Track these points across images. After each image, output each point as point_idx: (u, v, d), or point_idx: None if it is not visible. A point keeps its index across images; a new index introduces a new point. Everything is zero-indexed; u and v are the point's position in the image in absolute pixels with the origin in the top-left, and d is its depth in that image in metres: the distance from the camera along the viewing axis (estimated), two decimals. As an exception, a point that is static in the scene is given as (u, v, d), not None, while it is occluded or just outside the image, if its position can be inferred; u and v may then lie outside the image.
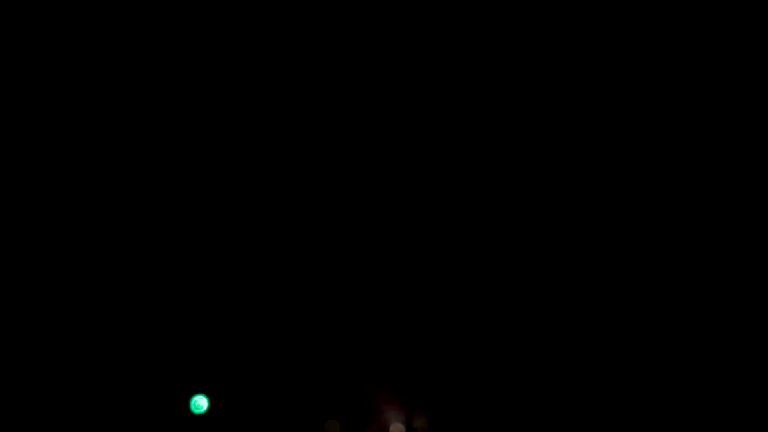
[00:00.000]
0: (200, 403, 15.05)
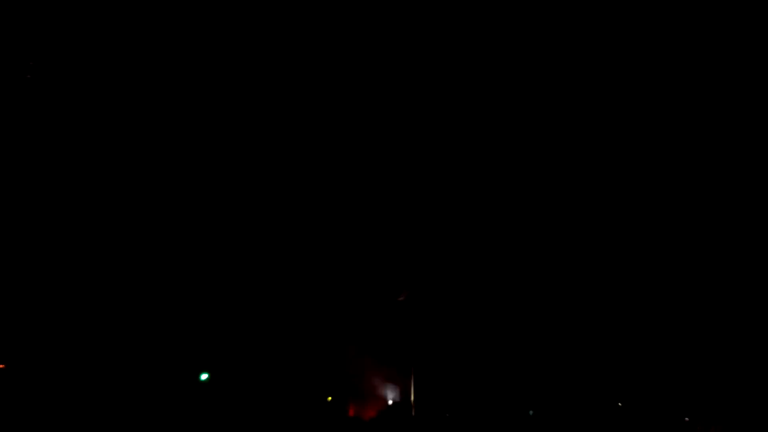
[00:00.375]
0: (203, 379, 17.64)
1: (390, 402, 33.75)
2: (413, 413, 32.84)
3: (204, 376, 29.38)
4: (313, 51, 32.17)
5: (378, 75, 32.20)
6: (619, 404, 33.98)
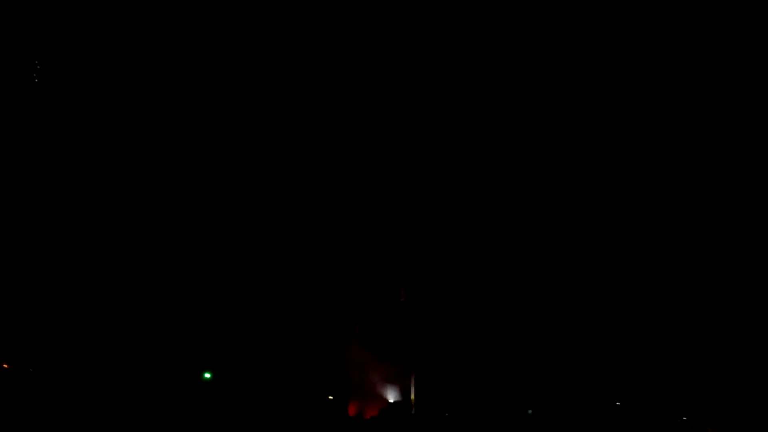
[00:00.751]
0: (206, 377, 17.99)
1: (390, 401, 33.81)
2: (413, 412, 32.92)
3: (207, 375, 29.47)
4: (313, 51, 32.26)
5: (378, 75, 32.27)
6: (617, 403, 34.09)
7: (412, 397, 33.11)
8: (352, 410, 33.26)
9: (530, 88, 31.87)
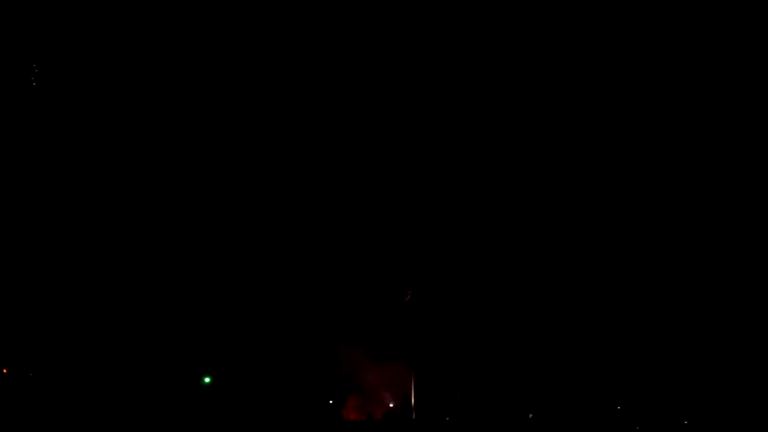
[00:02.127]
0: (206, 381, 18.13)
1: (391, 405, 33.72)
2: (414, 416, 32.82)
3: (207, 380, 29.41)
4: (315, 52, 32.21)
5: (380, 76, 32.17)
6: (618, 408, 34.02)
7: (413, 401, 32.99)
8: (351, 414, 33.19)
9: (530, 89, 31.83)
